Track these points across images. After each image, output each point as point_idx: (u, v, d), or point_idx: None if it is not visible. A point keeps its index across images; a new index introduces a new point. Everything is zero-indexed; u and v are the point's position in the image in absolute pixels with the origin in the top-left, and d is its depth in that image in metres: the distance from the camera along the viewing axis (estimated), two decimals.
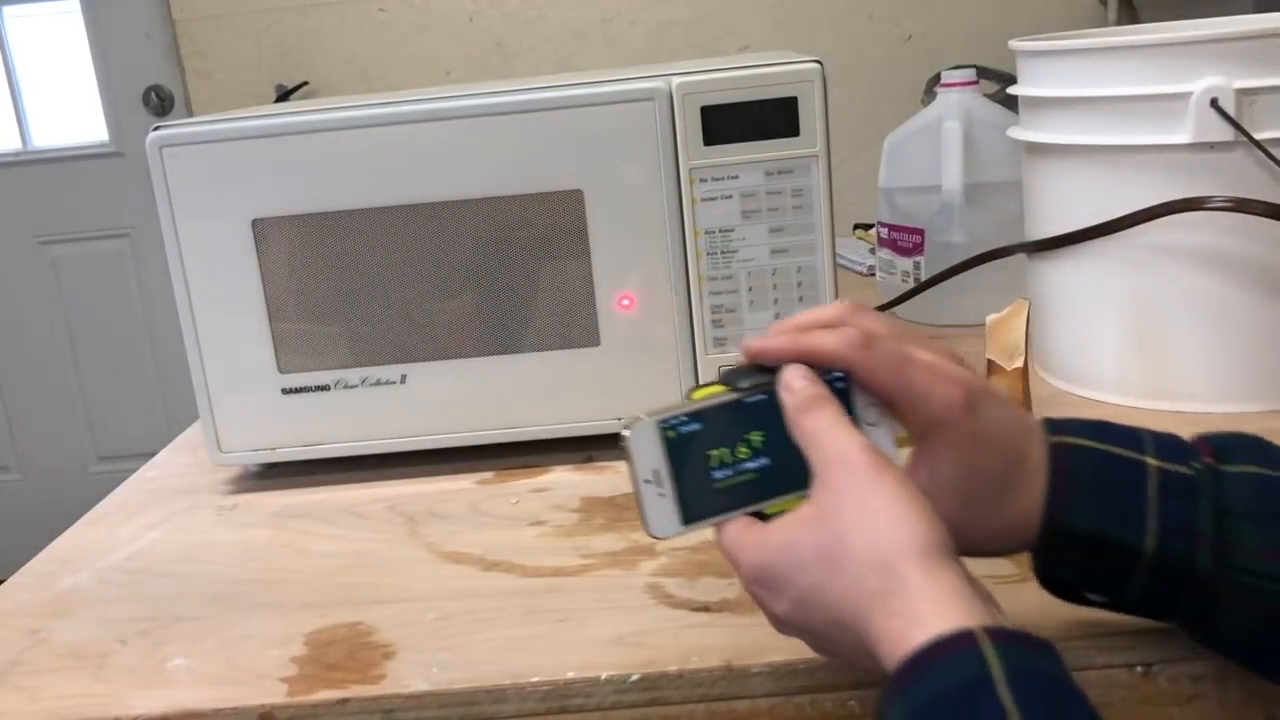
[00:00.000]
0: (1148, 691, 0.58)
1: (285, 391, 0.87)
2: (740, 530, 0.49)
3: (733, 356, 0.85)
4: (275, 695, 0.59)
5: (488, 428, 0.88)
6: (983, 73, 1.20)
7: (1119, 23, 1.84)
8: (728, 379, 0.51)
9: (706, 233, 0.83)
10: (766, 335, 0.52)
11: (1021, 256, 0.93)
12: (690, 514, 0.50)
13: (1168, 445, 0.51)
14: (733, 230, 0.83)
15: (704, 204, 0.83)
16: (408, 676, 0.60)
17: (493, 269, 0.84)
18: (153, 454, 0.99)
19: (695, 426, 0.50)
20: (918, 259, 1.11)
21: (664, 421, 0.50)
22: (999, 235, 0.98)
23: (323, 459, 0.88)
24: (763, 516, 0.50)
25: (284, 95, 2.08)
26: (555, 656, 0.60)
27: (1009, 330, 0.83)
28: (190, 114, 2.35)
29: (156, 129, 0.83)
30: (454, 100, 0.82)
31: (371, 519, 0.81)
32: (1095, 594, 0.53)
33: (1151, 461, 0.50)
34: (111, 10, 2.40)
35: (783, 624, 0.49)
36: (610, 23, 2.00)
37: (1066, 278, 0.88)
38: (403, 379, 0.86)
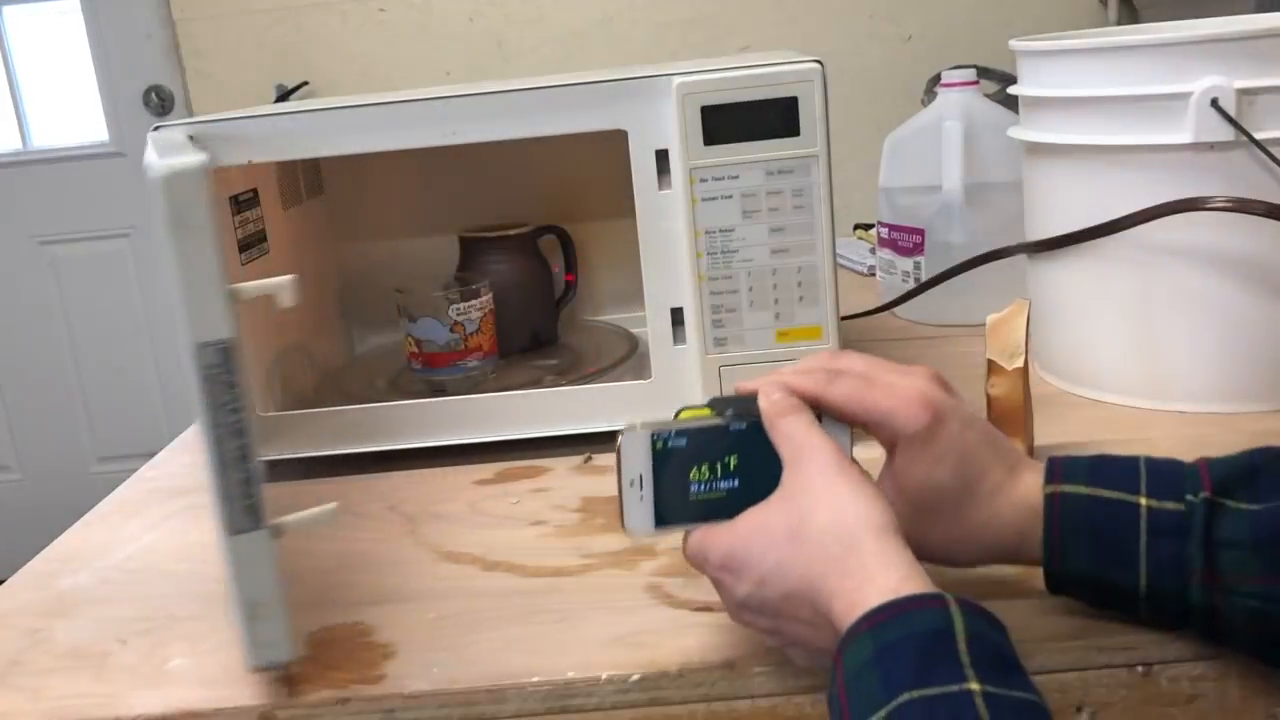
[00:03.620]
0: (1148, 691, 0.58)
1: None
2: (707, 529, 0.54)
3: (733, 356, 0.85)
4: (275, 695, 0.59)
5: (488, 428, 0.88)
6: (983, 73, 1.20)
7: (1119, 23, 1.84)
8: (714, 405, 0.57)
9: (706, 233, 0.83)
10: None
11: (1021, 256, 0.93)
12: (663, 519, 0.56)
13: (1164, 478, 0.54)
14: (733, 230, 0.83)
15: (704, 204, 0.82)
16: (408, 676, 0.60)
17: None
18: (153, 454, 0.99)
19: (681, 443, 0.56)
20: (918, 259, 1.11)
21: (656, 433, 0.56)
22: (999, 235, 0.98)
23: (323, 458, 0.88)
24: None
25: (284, 95, 2.08)
26: (555, 656, 0.60)
27: (1009, 330, 0.83)
28: (190, 114, 2.35)
29: (156, 129, 0.83)
30: (454, 100, 0.82)
31: (371, 519, 0.81)
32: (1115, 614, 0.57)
33: (1143, 501, 0.53)
34: (111, 10, 2.40)
35: (740, 608, 0.53)
36: (611, 22, 2.00)
37: (1066, 278, 0.88)
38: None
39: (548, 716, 0.59)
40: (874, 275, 1.26)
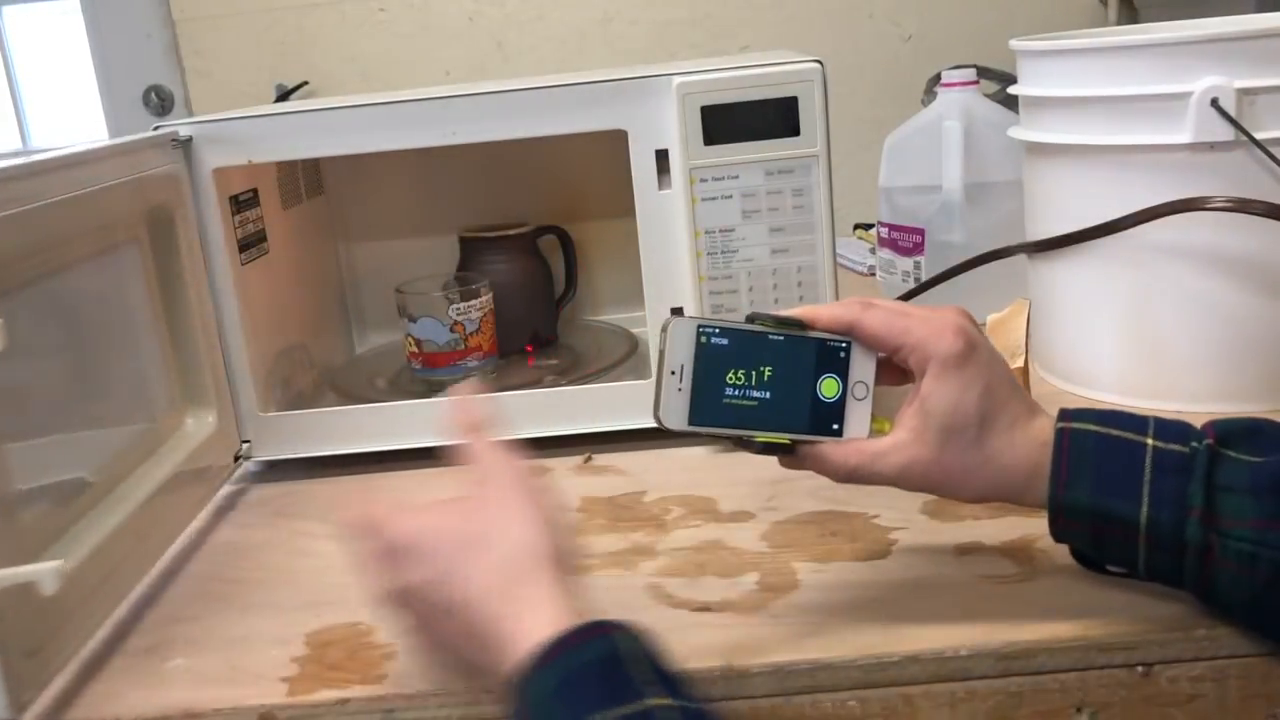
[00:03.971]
0: (1148, 691, 0.58)
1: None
2: (392, 512, 0.56)
3: None
4: (275, 695, 0.59)
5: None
6: (983, 73, 1.20)
7: (1119, 23, 1.83)
8: (754, 317, 0.58)
9: (706, 233, 0.83)
10: None
11: (1021, 256, 0.93)
12: (697, 416, 0.57)
13: (1170, 428, 0.56)
14: (733, 230, 0.83)
15: (704, 204, 0.82)
16: (408, 676, 0.60)
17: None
18: None
19: (723, 341, 0.57)
20: (918, 259, 1.11)
21: (702, 326, 0.57)
22: (999, 235, 0.98)
23: (323, 458, 0.88)
24: (750, 444, 0.58)
25: (284, 95, 2.07)
26: None
27: (1009, 330, 0.83)
28: (190, 114, 2.34)
29: (156, 129, 0.83)
30: (454, 100, 0.82)
31: None
32: (1113, 565, 0.58)
33: (1150, 441, 0.55)
34: (111, 10, 2.40)
35: (398, 595, 0.55)
36: (610, 22, 2.00)
37: (1066, 278, 0.88)
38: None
39: None
40: (874, 275, 1.26)
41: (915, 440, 0.56)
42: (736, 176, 0.82)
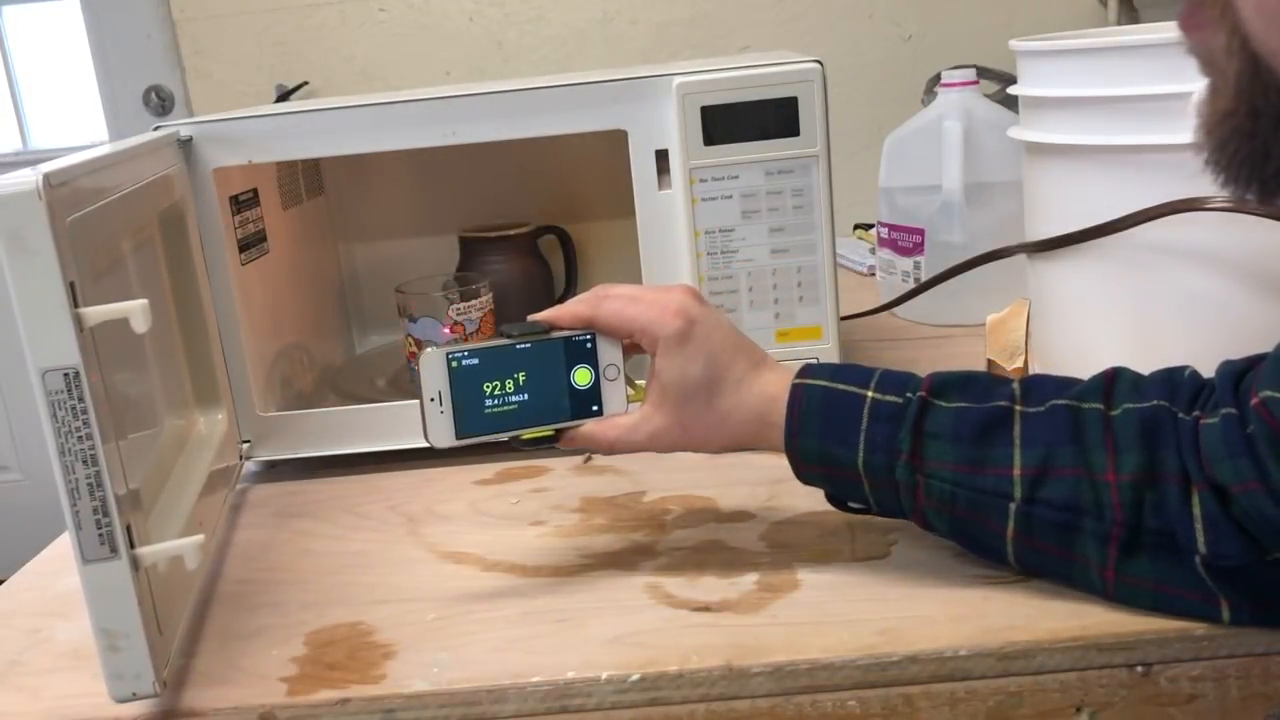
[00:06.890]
0: (1148, 691, 0.58)
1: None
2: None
3: None
4: (275, 695, 0.59)
5: None
6: (983, 73, 1.20)
7: (1119, 23, 1.84)
8: (503, 331, 0.65)
9: (706, 233, 0.83)
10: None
11: (1021, 256, 0.93)
12: (463, 431, 0.64)
13: (892, 380, 0.63)
14: (733, 230, 0.83)
15: (704, 204, 0.83)
16: (408, 676, 0.60)
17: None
18: None
19: (474, 361, 0.63)
20: (918, 259, 1.11)
21: (451, 353, 0.63)
22: (999, 235, 0.98)
23: (323, 458, 0.88)
24: (519, 441, 0.65)
25: (284, 95, 2.07)
26: (555, 656, 0.60)
27: (1009, 330, 0.83)
28: (190, 114, 2.34)
29: (156, 129, 0.83)
30: (454, 100, 0.82)
31: (371, 519, 0.81)
32: (853, 503, 0.66)
33: (870, 394, 0.62)
34: (111, 10, 2.40)
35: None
36: (610, 22, 2.00)
37: (1066, 278, 0.88)
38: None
39: (547, 716, 0.59)
40: (874, 275, 1.26)
41: (657, 411, 0.64)
42: (736, 177, 0.82)
